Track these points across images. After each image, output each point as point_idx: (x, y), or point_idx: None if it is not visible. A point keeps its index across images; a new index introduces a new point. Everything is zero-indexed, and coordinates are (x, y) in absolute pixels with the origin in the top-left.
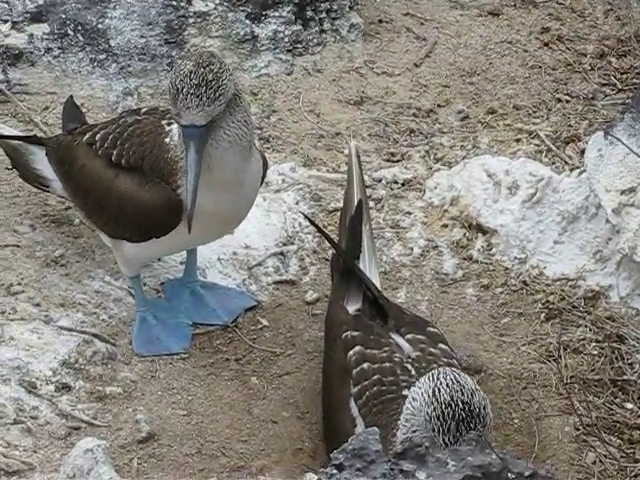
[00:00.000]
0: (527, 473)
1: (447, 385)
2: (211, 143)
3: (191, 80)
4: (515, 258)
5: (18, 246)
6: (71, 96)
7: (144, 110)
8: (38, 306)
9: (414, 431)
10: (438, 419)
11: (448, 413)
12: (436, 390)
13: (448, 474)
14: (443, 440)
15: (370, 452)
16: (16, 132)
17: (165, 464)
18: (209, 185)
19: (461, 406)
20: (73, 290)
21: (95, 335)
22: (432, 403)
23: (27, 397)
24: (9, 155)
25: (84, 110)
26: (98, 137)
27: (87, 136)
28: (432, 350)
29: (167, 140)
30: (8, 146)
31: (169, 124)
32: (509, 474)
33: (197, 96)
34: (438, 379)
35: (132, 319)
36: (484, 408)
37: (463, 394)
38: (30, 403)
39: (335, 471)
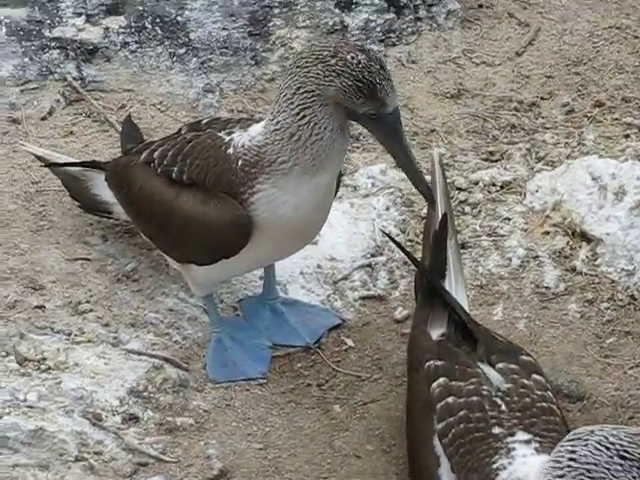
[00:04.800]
0: None
1: (629, 442)
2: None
3: (377, 65)
4: (622, 270)
5: (88, 259)
6: (129, 115)
7: (205, 121)
8: (107, 326)
9: None
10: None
11: None
12: (625, 453)
13: None
14: None
15: None
16: (73, 159)
17: None
18: (301, 189)
19: None
20: (145, 308)
21: (166, 359)
22: (631, 466)
23: (91, 430)
24: (67, 185)
25: (162, 108)
26: (156, 155)
27: (145, 154)
28: (525, 382)
29: (230, 151)
30: (66, 175)
31: (229, 134)
32: None
33: (389, 78)
34: (613, 443)
35: (207, 340)
36: None
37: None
38: (94, 437)
39: None
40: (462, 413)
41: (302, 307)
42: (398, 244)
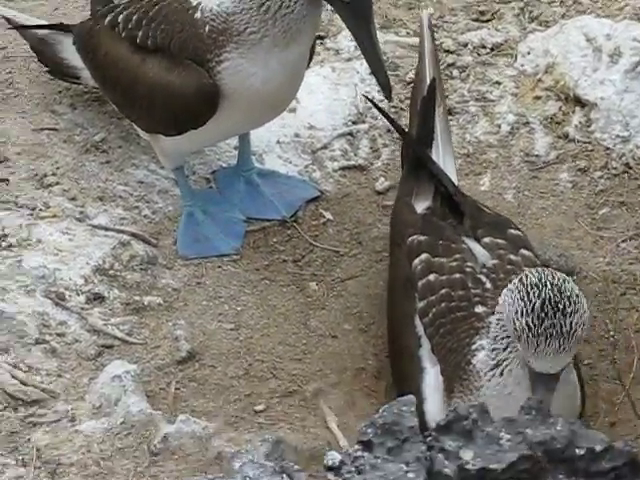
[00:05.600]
0: (599, 448)
1: (536, 271)
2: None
3: None
4: (617, 136)
5: (55, 129)
6: None
7: None
8: (73, 200)
9: (505, 349)
10: (522, 300)
11: (534, 293)
12: (523, 277)
13: (501, 453)
14: (526, 324)
15: (403, 428)
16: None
17: (207, 389)
18: (271, 61)
19: (549, 287)
20: (113, 181)
21: (134, 235)
22: (517, 288)
23: (53, 311)
24: (36, 49)
25: None
26: (121, 18)
27: (109, 18)
28: (512, 257)
29: (197, 15)
30: (34, 38)
31: None
32: (577, 450)
33: None
34: (528, 271)
35: (178, 214)
36: (578, 297)
37: (554, 278)
38: (57, 318)
39: (360, 453)
40: (444, 291)
41: (278, 178)
42: (382, 110)
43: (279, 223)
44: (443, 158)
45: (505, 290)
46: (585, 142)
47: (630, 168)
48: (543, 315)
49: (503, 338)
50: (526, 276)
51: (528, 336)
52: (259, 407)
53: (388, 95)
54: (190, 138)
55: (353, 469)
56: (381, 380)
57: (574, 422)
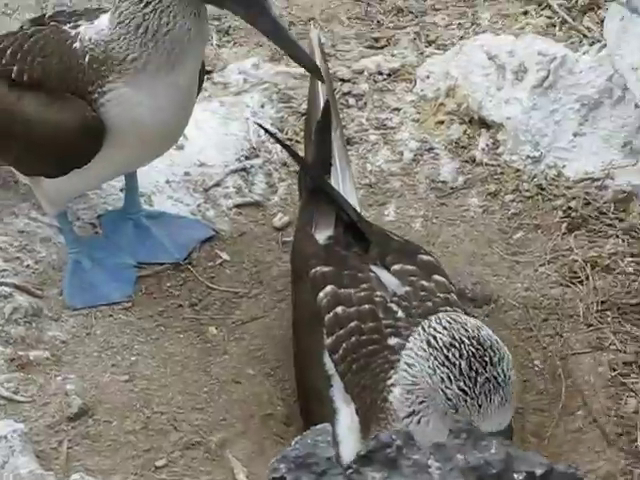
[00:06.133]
0: (539, 472)
1: (444, 328)
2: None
3: None
4: (527, 157)
5: None
6: None
7: (48, 15)
8: None
9: (420, 402)
10: (443, 366)
11: (453, 354)
12: (431, 339)
13: None
14: (460, 389)
15: (320, 460)
16: None
17: (102, 445)
18: (158, 88)
19: (467, 342)
20: None
21: (17, 287)
22: (430, 354)
23: None
24: None
25: (9, 12)
26: None
27: None
28: (425, 284)
29: (76, 46)
30: None
31: (75, 27)
32: (515, 475)
33: None
34: (430, 327)
35: (64, 263)
36: (496, 341)
37: (467, 330)
38: None
39: None
40: (353, 324)
41: (169, 219)
42: (276, 137)
43: (172, 266)
44: (343, 185)
45: (412, 360)
46: (494, 165)
47: (543, 189)
48: (474, 374)
49: (415, 394)
50: (434, 337)
51: (466, 401)
52: (160, 462)
53: (319, 76)
54: (74, 179)
55: None
56: (291, 426)
57: (509, 444)
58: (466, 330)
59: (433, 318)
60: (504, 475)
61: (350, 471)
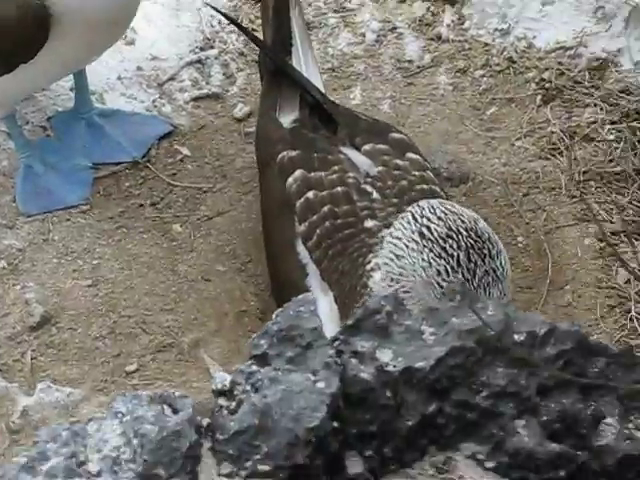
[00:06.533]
0: (541, 331)
1: (439, 218)
2: None
3: None
4: (495, 30)
5: None
6: None
7: None
8: None
9: (405, 292)
10: (439, 257)
11: (451, 245)
12: (424, 230)
13: (425, 348)
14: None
15: (305, 332)
16: None
17: (68, 354)
18: None
19: (465, 233)
20: None
21: None
22: (425, 246)
23: None
24: None
25: None
26: None
27: None
28: (399, 162)
29: None
30: None
31: None
32: (515, 336)
33: None
34: (423, 217)
35: (16, 169)
36: (492, 233)
37: (463, 221)
38: None
39: (255, 367)
40: (326, 209)
41: (124, 117)
42: (232, 20)
43: (130, 165)
44: (306, 66)
45: (402, 252)
46: (461, 41)
47: (514, 62)
48: (473, 266)
49: (401, 284)
50: (428, 228)
51: None
52: (131, 367)
53: None
54: (20, 76)
55: (248, 387)
56: (266, 321)
57: (507, 305)
58: (463, 221)
59: (425, 206)
60: (504, 337)
61: (337, 342)
